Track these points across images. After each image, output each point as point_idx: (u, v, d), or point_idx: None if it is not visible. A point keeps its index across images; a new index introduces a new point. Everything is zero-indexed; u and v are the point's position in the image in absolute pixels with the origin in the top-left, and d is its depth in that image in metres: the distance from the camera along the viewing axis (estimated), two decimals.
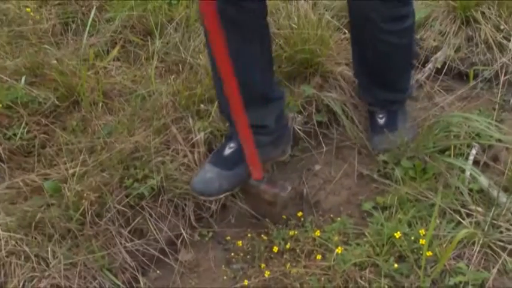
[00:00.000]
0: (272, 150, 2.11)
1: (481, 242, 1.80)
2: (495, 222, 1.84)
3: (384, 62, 2.08)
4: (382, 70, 2.11)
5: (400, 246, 1.84)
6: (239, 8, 1.80)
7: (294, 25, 2.40)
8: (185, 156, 2.14)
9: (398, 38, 2.01)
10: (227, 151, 2.07)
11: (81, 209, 1.94)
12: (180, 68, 2.45)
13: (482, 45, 2.49)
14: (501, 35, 2.48)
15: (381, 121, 2.21)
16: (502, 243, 1.81)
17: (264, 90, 1.99)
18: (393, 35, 1.98)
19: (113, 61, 2.52)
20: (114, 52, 2.51)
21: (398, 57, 2.09)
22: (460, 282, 1.73)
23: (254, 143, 1.92)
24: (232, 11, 1.78)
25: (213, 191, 2.02)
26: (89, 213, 1.94)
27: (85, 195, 1.95)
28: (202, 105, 2.25)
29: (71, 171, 2.02)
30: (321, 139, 2.33)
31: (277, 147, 2.12)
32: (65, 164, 2.07)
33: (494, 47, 2.48)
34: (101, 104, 2.30)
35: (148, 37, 2.53)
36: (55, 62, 2.37)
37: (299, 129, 2.28)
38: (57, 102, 2.29)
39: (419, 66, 2.48)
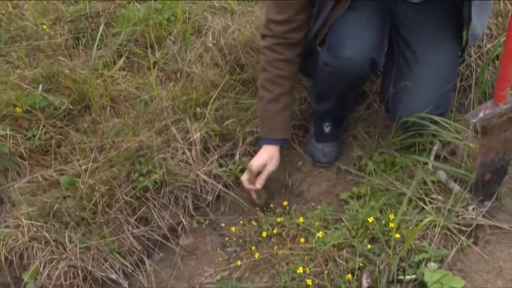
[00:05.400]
0: None
1: (441, 224, 1.84)
2: (453, 208, 1.89)
3: None
4: None
5: (373, 229, 1.87)
6: None
7: None
8: (184, 153, 2.15)
9: None
10: (326, 129, 2.29)
11: (93, 200, 1.96)
12: (178, 76, 2.45)
13: None
14: None
15: None
16: (458, 226, 1.86)
17: None
18: None
19: (119, 70, 2.51)
20: (120, 63, 2.51)
21: None
22: (424, 258, 1.78)
23: None
24: None
25: (332, 159, 2.28)
26: (100, 203, 1.96)
27: (96, 188, 1.98)
28: (198, 109, 2.27)
29: (83, 167, 2.04)
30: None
31: None
32: (78, 161, 2.08)
33: None
34: (109, 108, 2.32)
35: (150, 49, 2.52)
36: (68, 71, 2.37)
37: None
38: (70, 107, 2.29)
39: None
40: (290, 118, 2.14)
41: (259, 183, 2.07)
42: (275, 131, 2.08)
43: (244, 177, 2.08)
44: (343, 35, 1.87)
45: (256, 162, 2.06)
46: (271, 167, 2.08)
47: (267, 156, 2.07)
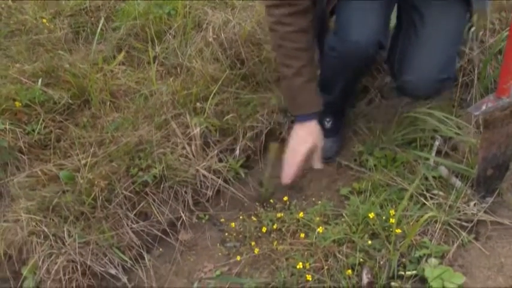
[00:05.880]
0: None
1: (442, 220, 1.84)
2: (454, 204, 1.88)
3: None
4: None
5: (373, 225, 1.87)
6: None
7: None
8: (183, 148, 2.14)
9: None
10: (327, 124, 2.28)
11: (93, 195, 1.95)
12: (178, 71, 2.45)
13: None
14: None
15: None
16: (459, 222, 1.86)
17: None
18: None
19: (119, 65, 2.51)
20: (120, 57, 2.50)
21: None
22: (424, 254, 1.78)
23: None
24: None
25: (333, 155, 2.27)
26: (100, 198, 1.95)
27: (96, 182, 1.97)
28: (198, 103, 2.26)
29: (83, 161, 2.03)
30: None
31: None
32: (78, 155, 2.07)
33: None
34: (108, 103, 2.31)
35: (150, 44, 2.52)
36: (68, 66, 2.36)
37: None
38: (70, 101, 2.28)
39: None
40: (317, 90, 2.02)
41: (317, 165, 2.00)
42: (304, 107, 1.96)
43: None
44: (348, 19, 1.86)
45: (303, 147, 1.94)
46: (319, 143, 1.97)
47: (308, 136, 1.95)
